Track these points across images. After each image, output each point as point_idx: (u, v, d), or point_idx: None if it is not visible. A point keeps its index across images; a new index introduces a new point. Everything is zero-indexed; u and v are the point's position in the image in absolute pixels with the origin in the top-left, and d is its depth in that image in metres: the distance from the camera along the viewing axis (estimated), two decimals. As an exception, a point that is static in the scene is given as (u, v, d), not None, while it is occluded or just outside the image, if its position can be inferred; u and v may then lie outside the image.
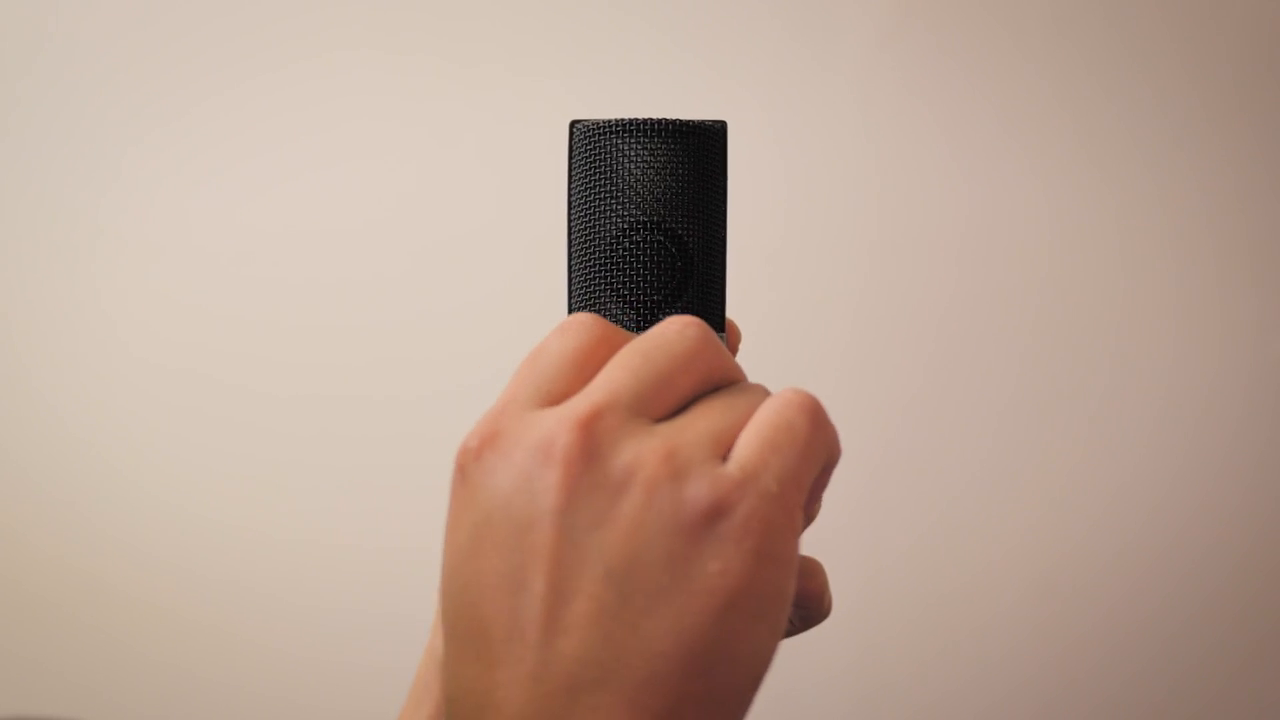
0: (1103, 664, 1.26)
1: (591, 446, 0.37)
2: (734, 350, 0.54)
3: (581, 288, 0.50)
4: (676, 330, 0.40)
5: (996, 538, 1.26)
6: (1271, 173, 1.26)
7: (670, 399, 0.39)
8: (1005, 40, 1.25)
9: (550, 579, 0.36)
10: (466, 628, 0.39)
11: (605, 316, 0.49)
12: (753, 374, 0.52)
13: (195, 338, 1.22)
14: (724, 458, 0.38)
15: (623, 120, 0.49)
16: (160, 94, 1.21)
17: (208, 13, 1.20)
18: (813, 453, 0.39)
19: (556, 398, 0.39)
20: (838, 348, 1.25)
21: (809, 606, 0.52)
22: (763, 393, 0.40)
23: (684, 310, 0.49)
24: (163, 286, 1.22)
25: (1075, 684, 1.27)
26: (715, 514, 0.37)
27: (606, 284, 0.49)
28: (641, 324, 0.49)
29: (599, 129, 0.50)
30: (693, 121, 0.50)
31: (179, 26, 1.20)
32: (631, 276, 0.49)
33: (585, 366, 0.40)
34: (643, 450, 0.37)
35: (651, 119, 0.49)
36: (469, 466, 0.39)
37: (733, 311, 0.53)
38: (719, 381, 0.41)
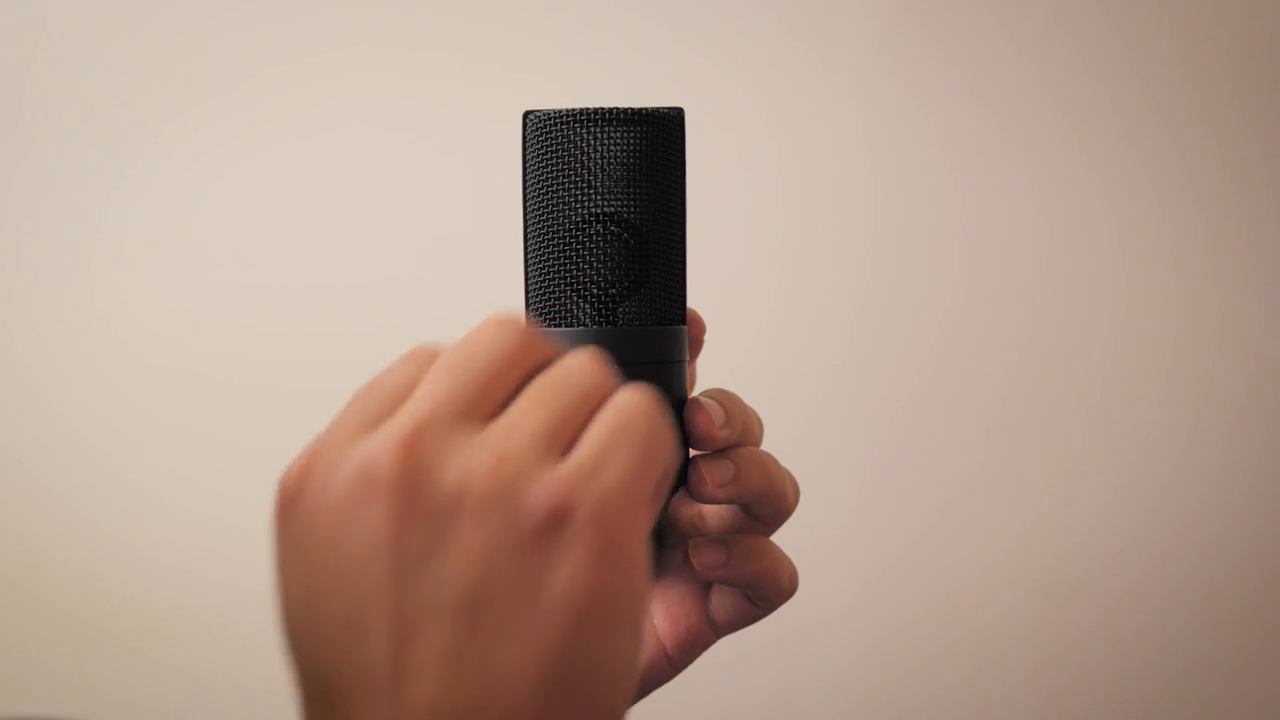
0: (1103, 663, 1.26)
1: (416, 469, 0.34)
2: (698, 340, 0.52)
3: (538, 283, 0.49)
4: (495, 325, 0.37)
5: (996, 538, 1.25)
6: (1271, 173, 1.25)
7: (499, 395, 0.36)
8: (1005, 41, 1.24)
9: (393, 620, 0.33)
10: (314, 682, 0.36)
11: (564, 312, 0.48)
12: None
13: (196, 338, 1.22)
14: (562, 453, 0.35)
15: (576, 110, 0.48)
16: (157, 95, 1.21)
17: (208, 12, 1.21)
18: (654, 452, 0.36)
19: (381, 419, 0.36)
20: (837, 347, 1.24)
21: (764, 586, 0.51)
22: (587, 368, 0.37)
23: (645, 303, 0.48)
24: (164, 286, 1.22)
25: (1075, 684, 1.26)
26: (556, 518, 0.34)
27: (563, 278, 0.48)
28: (601, 319, 0.48)
29: (553, 119, 0.49)
30: (648, 109, 0.48)
31: (175, 28, 1.21)
32: (588, 270, 0.47)
33: (414, 387, 0.37)
34: (471, 464, 0.34)
35: (605, 107, 0.48)
36: (289, 505, 0.35)
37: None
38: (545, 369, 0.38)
